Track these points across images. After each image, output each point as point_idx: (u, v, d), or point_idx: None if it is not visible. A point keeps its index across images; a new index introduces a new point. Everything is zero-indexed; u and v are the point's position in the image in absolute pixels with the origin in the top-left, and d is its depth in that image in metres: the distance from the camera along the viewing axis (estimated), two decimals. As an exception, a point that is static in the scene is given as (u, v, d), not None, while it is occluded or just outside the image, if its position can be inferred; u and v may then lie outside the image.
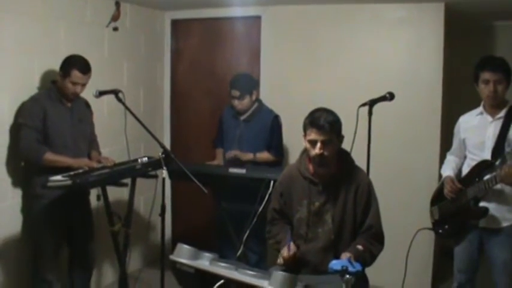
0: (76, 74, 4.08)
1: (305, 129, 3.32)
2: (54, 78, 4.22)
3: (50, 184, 3.67)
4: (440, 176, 5.07)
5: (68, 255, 4.44)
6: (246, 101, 4.91)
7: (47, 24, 4.45)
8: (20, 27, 4.20)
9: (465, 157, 3.98)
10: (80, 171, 3.90)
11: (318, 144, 3.23)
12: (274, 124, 4.95)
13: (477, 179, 3.70)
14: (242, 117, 4.99)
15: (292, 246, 3.29)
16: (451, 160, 4.11)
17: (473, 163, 3.81)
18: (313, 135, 3.24)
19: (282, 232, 3.52)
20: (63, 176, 3.69)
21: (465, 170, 3.93)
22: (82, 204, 4.43)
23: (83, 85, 4.17)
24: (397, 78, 5.12)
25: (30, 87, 4.28)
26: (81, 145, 4.30)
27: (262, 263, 4.93)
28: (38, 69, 4.37)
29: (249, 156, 4.91)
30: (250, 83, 4.99)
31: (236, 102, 4.92)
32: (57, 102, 4.17)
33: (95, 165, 4.06)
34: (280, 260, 3.30)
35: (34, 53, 4.34)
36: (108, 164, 4.17)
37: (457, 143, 4.07)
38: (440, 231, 4.14)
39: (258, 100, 5.06)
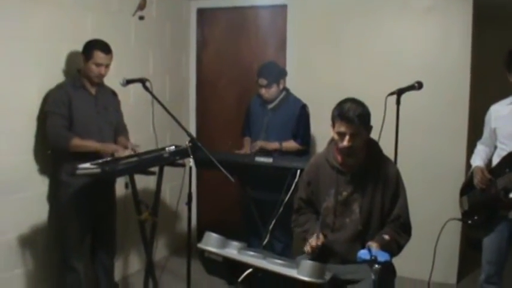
0: (98, 55, 4.12)
1: (333, 121, 3.27)
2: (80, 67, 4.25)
3: (78, 172, 3.69)
4: (467, 165, 5.05)
5: (91, 243, 4.47)
6: (273, 89, 4.90)
7: (74, 14, 4.47)
8: (48, 17, 4.23)
9: (495, 147, 3.93)
10: (108, 159, 3.93)
11: (347, 137, 3.19)
12: (302, 113, 4.93)
13: (507, 170, 3.64)
14: (269, 106, 4.97)
15: (321, 236, 3.26)
16: (481, 150, 4.05)
17: (504, 153, 3.75)
18: (342, 128, 3.19)
19: (309, 221, 3.52)
20: (92, 164, 3.71)
21: (495, 160, 3.88)
22: (108, 193, 4.46)
23: (107, 66, 4.21)
24: (425, 67, 5.06)
25: (58, 76, 4.32)
26: (106, 132, 4.32)
27: (287, 252, 4.93)
28: (66, 58, 4.40)
29: (275, 145, 4.90)
30: (278, 72, 4.97)
31: (263, 91, 4.91)
32: (82, 90, 4.19)
33: (120, 150, 4.08)
34: (307, 248, 3.29)
35: (62, 42, 4.37)
36: (134, 151, 4.18)
37: (487, 133, 4.02)
38: (469, 221, 4.09)
39: (285, 89, 5.04)
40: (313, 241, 3.24)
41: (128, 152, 4.11)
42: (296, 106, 4.94)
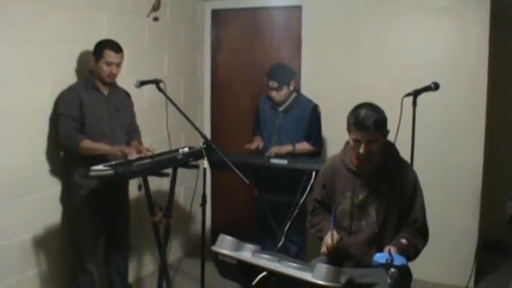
0: (109, 54, 4.11)
1: (349, 128, 3.22)
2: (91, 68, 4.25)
3: (91, 174, 3.69)
4: (485, 167, 5.01)
5: (104, 244, 4.48)
6: (284, 91, 4.86)
7: (88, 15, 4.47)
8: (62, 18, 4.23)
9: None
10: (122, 160, 3.93)
11: (363, 145, 3.14)
12: (314, 114, 4.90)
13: None
14: (280, 108, 4.94)
15: (335, 233, 3.23)
16: None
17: None
18: (358, 136, 3.15)
19: (324, 221, 3.48)
20: (105, 166, 3.71)
21: None
22: (121, 194, 4.46)
23: (118, 65, 4.19)
24: (441, 68, 5.01)
25: (71, 77, 4.32)
26: (118, 134, 4.31)
27: (302, 254, 4.92)
28: (80, 59, 4.40)
29: (288, 148, 4.87)
30: (288, 74, 4.94)
31: (274, 94, 4.87)
32: (94, 91, 4.19)
33: (127, 151, 4.03)
34: (323, 249, 3.25)
35: (76, 43, 4.37)
36: (146, 154, 4.14)
37: None
38: None
39: (296, 90, 5.01)
40: (329, 239, 3.21)
41: (134, 153, 4.08)
42: (308, 107, 4.91)
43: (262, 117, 5.13)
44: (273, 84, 4.84)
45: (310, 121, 4.90)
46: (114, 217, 4.36)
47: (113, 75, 4.20)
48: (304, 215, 3.82)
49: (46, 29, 4.10)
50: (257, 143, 5.10)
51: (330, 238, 3.20)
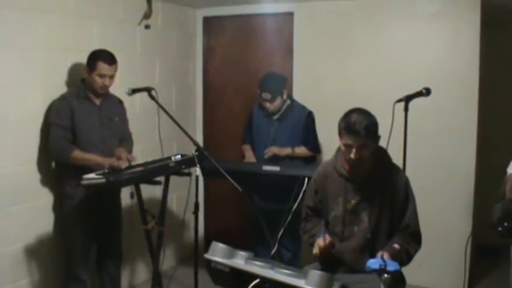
0: (102, 66, 4.08)
1: (340, 133, 3.23)
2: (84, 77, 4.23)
3: (84, 182, 3.67)
4: (477, 171, 5.02)
5: (97, 253, 4.46)
6: (278, 102, 4.85)
7: (79, 23, 4.47)
8: (53, 26, 4.23)
9: None
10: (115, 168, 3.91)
11: (354, 150, 3.15)
12: (308, 120, 4.91)
13: None
14: (275, 117, 4.93)
15: (327, 236, 3.22)
16: None
17: None
18: (349, 140, 3.15)
19: (316, 227, 3.48)
20: (97, 174, 3.69)
21: None
22: (113, 203, 4.45)
23: (111, 77, 4.17)
24: (433, 73, 5.02)
25: (62, 85, 4.32)
26: (110, 143, 4.28)
27: (296, 261, 4.91)
28: (71, 67, 4.39)
29: (287, 150, 4.87)
30: (280, 83, 4.92)
31: (268, 105, 4.86)
32: (86, 100, 4.17)
33: (116, 164, 3.95)
34: (315, 250, 3.25)
35: (67, 51, 4.36)
36: (123, 164, 4.02)
37: None
38: (499, 228, 4.00)
39: (289, 97, 5.01)
40: (321, 241, 3.20)
41: (123, 164, 4.01)
42: (302, 114, 4.92)
43: (256, 126, 5.11)
44: (266, 96, 4.83)
45: (306, 128, 4.90)
46: (106, 226, 4.35)
47: (106, 87, 4.19)
48: (297, 221, 3.82)
49: (37, 37, 4.10)
50: (249, 155, 5.10)
51: (322, 240, 3.19)
